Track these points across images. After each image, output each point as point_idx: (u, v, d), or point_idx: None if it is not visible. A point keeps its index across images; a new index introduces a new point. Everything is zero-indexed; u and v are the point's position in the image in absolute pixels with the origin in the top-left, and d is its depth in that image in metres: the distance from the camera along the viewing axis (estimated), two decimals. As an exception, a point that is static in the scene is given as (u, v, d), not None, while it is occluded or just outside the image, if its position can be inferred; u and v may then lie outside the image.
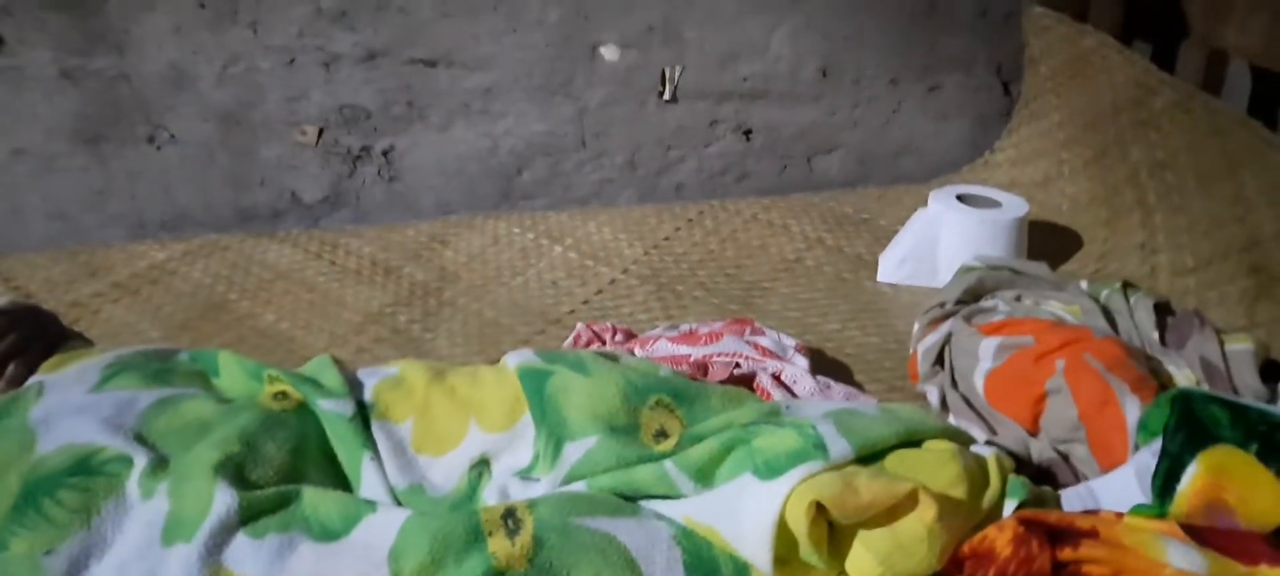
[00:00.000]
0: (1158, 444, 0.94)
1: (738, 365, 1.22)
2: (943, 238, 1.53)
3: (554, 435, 0.99)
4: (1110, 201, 1.61)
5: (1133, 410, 1.05)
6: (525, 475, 0.99)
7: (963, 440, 1.00)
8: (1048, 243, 1.63)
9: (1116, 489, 0.95)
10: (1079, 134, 1.74)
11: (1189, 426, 0.90)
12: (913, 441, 0.97)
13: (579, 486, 0.96)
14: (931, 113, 1.94)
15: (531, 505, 0.90)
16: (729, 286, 1.57)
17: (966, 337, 1.23)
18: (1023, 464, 1.09)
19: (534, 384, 1.02)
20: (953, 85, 1.93)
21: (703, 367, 1.20)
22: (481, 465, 1.00)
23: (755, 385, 1.20)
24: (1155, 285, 1.46)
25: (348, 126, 1.72)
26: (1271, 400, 1.13)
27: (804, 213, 1.78)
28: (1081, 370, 1.11)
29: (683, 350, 1.27)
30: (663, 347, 1.28)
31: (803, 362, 1.27)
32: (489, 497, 0.98)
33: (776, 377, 1.21)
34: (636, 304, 1.51)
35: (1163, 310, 1.26)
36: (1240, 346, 1.15)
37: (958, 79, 1.93)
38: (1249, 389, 1.12)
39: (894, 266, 1.57)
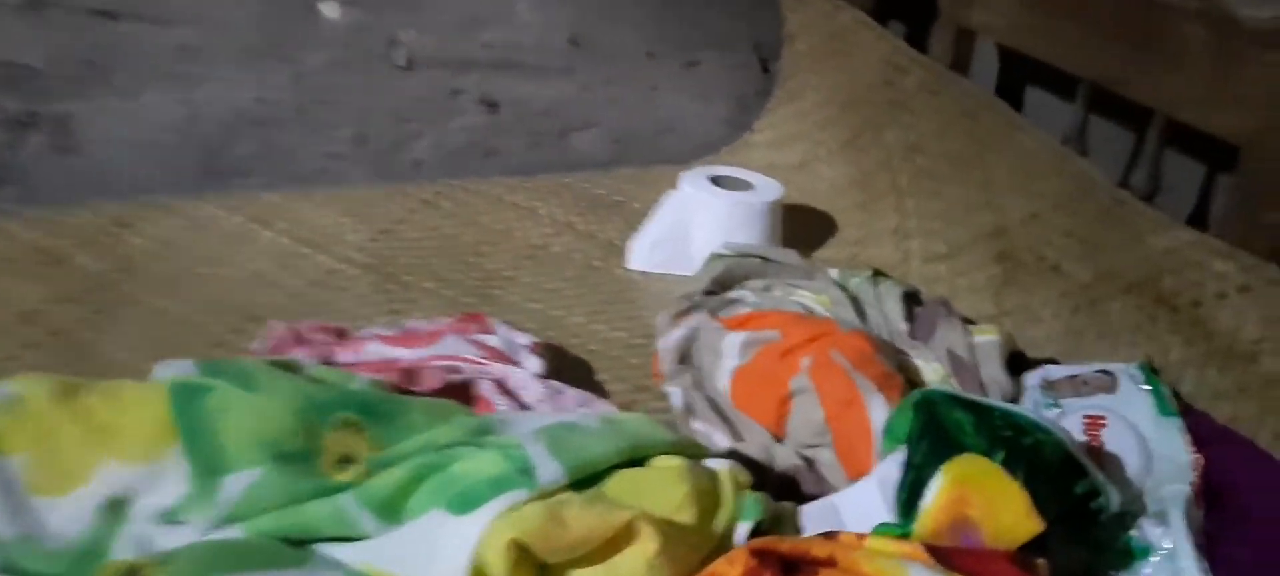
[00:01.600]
0: (902, 453, 0.86)
1: (456, 370, 1.07)
2: (695, 222, 1.43)
3: (209, 467, 0.81)
4: (865, 185, 1.56)
5: (878, 411, 0.97)
6: (171, 518, 0.81)
7: (695, 453, 0.89)
8: (804, 227, 1.56)
9: (859, 503, 0.86)
10: (835, 115, 1.68)
11: (933, 434, 0.82)
12: (638, 458, 0.84)
13: (236, 531, 0.79)
14: (691, 91, 1.84)
15: (164, 561, 0.73)
16: (466, 276, 1.41)
17: (711, 333, 1.13)
18: (766, 473, 0.99)
19: (186, 403, 0.84)
20: (712, 62, 1.84)
21: (412, 375, 1.04)
22: (116, 506, 0.80)
23: (474, 394, 1.04)
24: (908, 272, 1.42)
25: (8, 88, 1.44)
26: (1016, 394, 1.08)
27: (554, 194, 1.63)
28: (827, 368, 1.02)
29: (395, 353, 1.10)
30: (373, 349, 1.11)
31: (535, 364, 1.13)
32: (122, 548, 0.79)
33: (500, 384, 1.06)
34: (356, 298, 1.33)
35: (911, 299, 1.20)
36: (986, 338, 1.10)
37: (717, 56, 1.84)
38: (995, 383, 1.06)
39: (645, 253, 1.46)
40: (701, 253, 1.37)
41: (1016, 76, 1.63)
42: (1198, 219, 1.29)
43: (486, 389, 1.05)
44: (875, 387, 0.99)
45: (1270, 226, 1.02)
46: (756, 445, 1.02)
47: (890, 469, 0.85)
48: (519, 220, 1.56)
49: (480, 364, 1.08)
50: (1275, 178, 1.04)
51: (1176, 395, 1.04)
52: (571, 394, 1.08)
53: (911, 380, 1.11)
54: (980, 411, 0.85)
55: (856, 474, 0.97)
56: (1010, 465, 0.81)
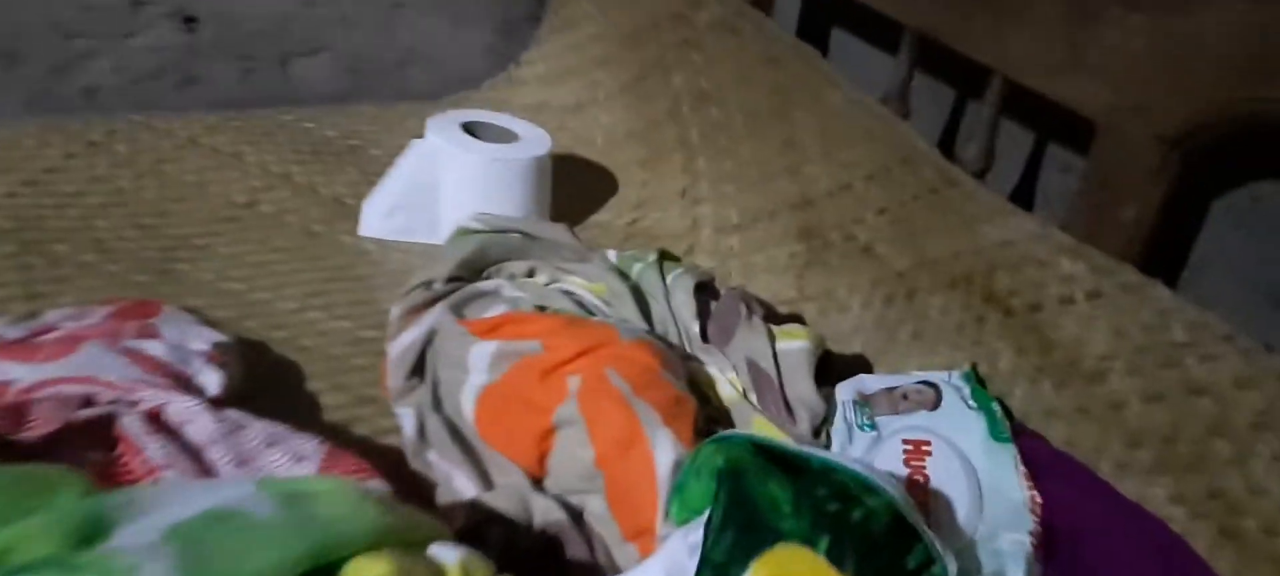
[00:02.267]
0: (697, 532, 0.64)
1: (90, 399, 0.77)
2: (445, 180, 1.16)
3: None
4: (649, 137, 1.33)
5: (665, 452, 0.76)
6: None
7: (414, 538, 0.64)
8: (576, 185, 1.32)
9: (640, 602, 0.63)
10: (617, 51, 1.44)
11: (740, 519, 0.61)
12: (329, 563, 0.59)
13: None
14: (444, 11, 1.55)
15: None
16: (141, 245, 1.09)
17: (453, 339, 0.87)
18: (516, 531, 0.75)
19: None
20: (471, -23, 1.56)
21: (17, 412, 0.73)
22: None
23: (114, 434, 0.75)
24: (697, 243, 1.21)
25: None
26: (827, 412, 0.89)
27: (267, 137, 1.31)
28: (601, 392, 0.79)
29: (2, 373, 0.78)
30: (-31, 368, 0.79)
31: (212, 381, 0.85)
32: None
33: (155, 416, 0.77)
34: (-22, 277, 0.98)
35: (706, 291, 0.98)
36: (794, 344, 0.90)
37: (477, -30, 1.56)
38: (803, 403, 0.87)
39: (381, 217, 1.18)
40: (451, 219, 1.11)
41: (824, 20, 1.43)
42: (1022, 198, 1.12)
43: (132, 427, 0.76)
44: (660, 420, 0.77)
45: (1126, 223, 0.87)
46: (507, 491, 0.78)
47: (680, 554, 0.63)
48: (219, 170, 1.23)
49: (126, 389, 0.78)
50: (1136, 164, 0.87)
51: (1006, 410, 0.88)
52: (257, 428, 0.79)
53: (703, 394, 0.90)
54: (798, 475, 0.64)
55: (634, 532, 0.75)
56: (837, 553, 0.61)
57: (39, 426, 0.72)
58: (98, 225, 1.10)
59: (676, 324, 0.94)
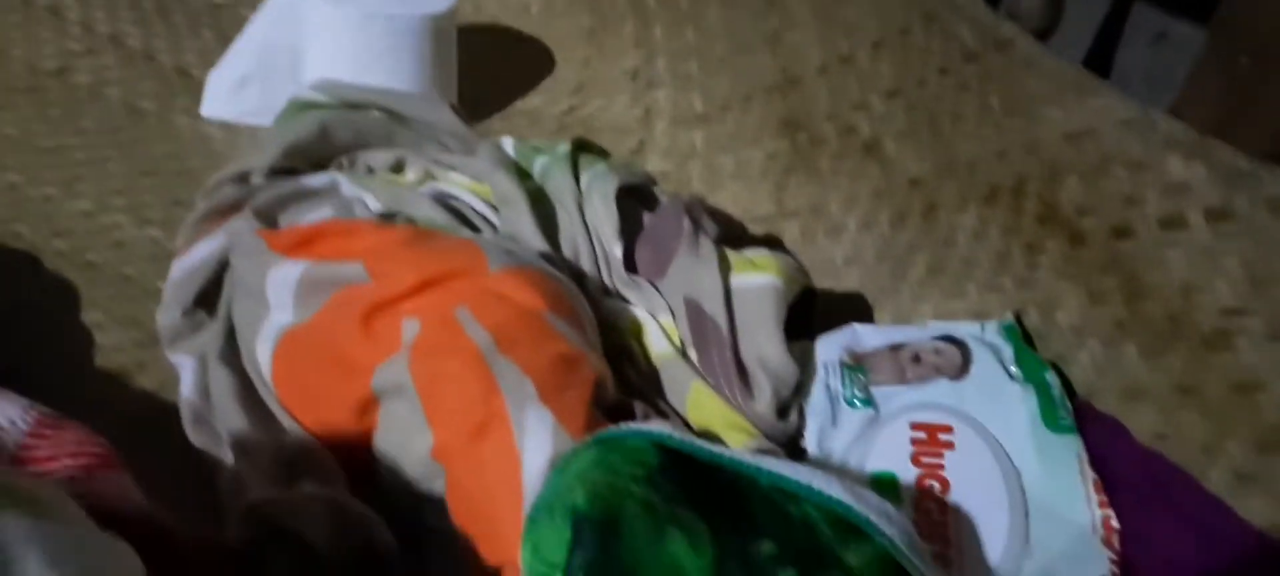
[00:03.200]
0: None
1: None
2: (310, 49, 0.86)
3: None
4: (594, 2, 1.03)
5: (538, 443, 0.48)
6: None
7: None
8: (503, 60, 1.02)
9: None
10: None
11: None
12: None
13: None
14: None
15: None
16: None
17: (250, 256, 0.59)
18: (311, 556, 0.48)
19: None
20: None
21: None
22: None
23: None
24: (649, 137, 0.92)
25: None
26: (803, 379, 0.61)
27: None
28: (447, 345, 0.51)
29: None
30: None
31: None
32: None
33: None
34: None
35: (637, 199, 0.69)
36: (756, 279, 0.61)
37: None
38: (764, 363, 0.58)
39: (229, 92, 0.89)
40: (314, 96, 0.82)
41: None
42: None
43: None
44: (536, 393, 0.49)
45: (1272, 106, 0.57)
46: (309, 496, 0.51)
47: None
48: (25, 27, 0.94)
49: None
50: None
51: (1066, 383, 0.60)
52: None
53: (625, 347, 0.62)
54: (729, 514, 0.36)
55: (492, 556, 0.48)
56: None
57: None
58: None
59: (592, 243, 0.65)
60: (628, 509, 0.34)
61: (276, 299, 0.56)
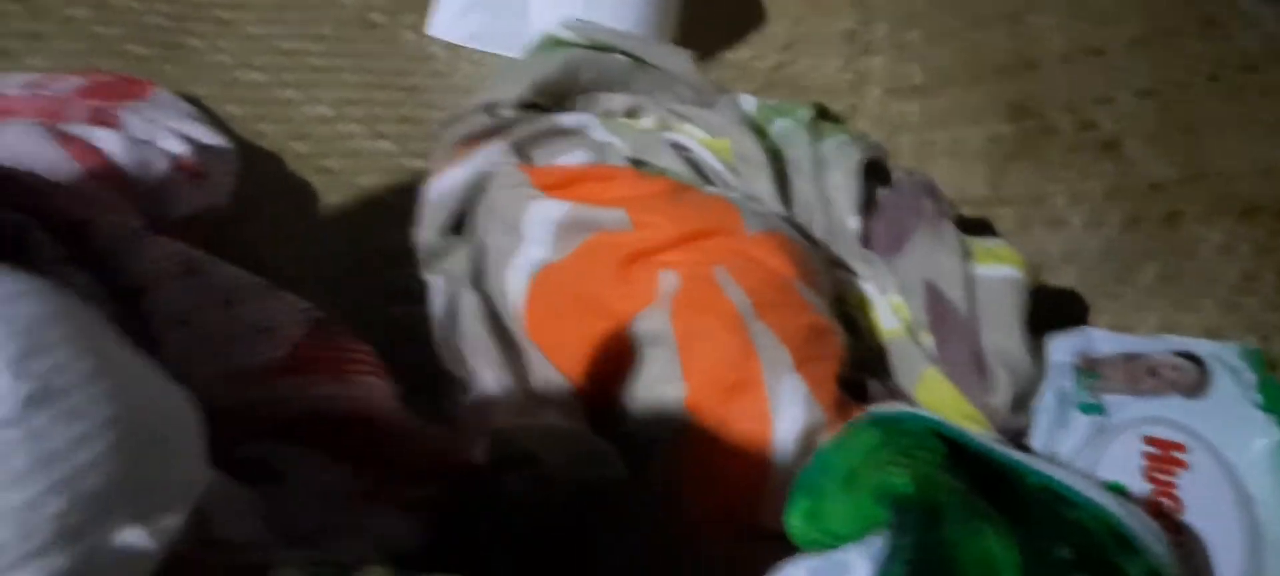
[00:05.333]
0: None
1: None
2: (540, -21, 0.88)
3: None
4: (815, -44, 1.02)
5: (791, 411, 0.49)
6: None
7: None
8: (703, 8, 1.02)
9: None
10: None
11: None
12: None
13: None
14: None
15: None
16: (149, 6, 0.87)
17: (509, 189, 0.61)
18: (549, 501, 0.51)
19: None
20: None
21: None
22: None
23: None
24: (860, 103, 0.91)
25: None
26: (1038, 376, 0.60)
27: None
28: (707, 302, 0.53)
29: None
30: None
31: (179, 198, 0.61)
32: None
33: (79, 235, 0.54)
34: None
35: (876, 174, 0.69)
36: (1000, 271, 0.61)
37: None
38: (1004, 357, 0.58)
39: (456, 15, 0.91)
40: (542, 29, 0.83)
41: None
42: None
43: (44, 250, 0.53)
44: (791, 361, 0.50)
45: None
46: (550, 427, 0.53)
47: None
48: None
49: (45, 192, 0.56)
50: None
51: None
52: (220, 276, 0.56)
53: (851, 320, 0.62)
54: (1029, 527, 0.37)
55: (713, 515, 0.50)
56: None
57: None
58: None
59: (827, 214, 0.65)
60: (947, 497, 0.35)
61: (533, 233, 0.59)
